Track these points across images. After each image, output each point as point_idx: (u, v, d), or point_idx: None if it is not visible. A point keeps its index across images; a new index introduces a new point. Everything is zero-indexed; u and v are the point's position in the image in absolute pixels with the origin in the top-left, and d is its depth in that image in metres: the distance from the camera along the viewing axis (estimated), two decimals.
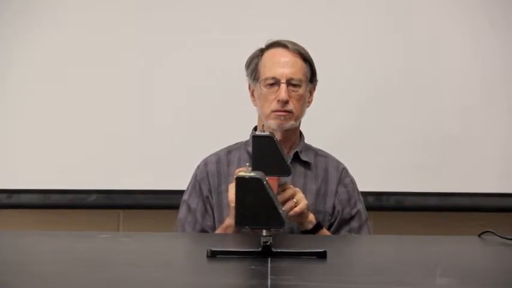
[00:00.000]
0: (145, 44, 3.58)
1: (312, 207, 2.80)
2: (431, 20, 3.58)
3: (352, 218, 2.84)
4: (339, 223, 2.84)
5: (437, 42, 3.57)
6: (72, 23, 3.58)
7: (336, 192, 2.86)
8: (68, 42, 3.58)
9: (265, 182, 2.01)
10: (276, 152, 2.45)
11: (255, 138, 2.48)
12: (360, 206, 2.88)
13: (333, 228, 2.84)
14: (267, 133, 2.48)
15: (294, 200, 2.64)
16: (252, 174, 2.03)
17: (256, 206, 2.01)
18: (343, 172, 2.90)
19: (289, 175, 2.50)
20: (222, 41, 3.57)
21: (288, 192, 2.64)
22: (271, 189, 2.03)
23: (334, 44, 3.55)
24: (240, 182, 2.02)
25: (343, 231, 2.84)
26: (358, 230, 2.83)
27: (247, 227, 2.06)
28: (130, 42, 3.58)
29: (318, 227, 2.72)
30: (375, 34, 3.57)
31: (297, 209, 2.63)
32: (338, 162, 2.92)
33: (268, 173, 2.45)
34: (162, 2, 3.58)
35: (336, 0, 3.58)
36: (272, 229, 2.05)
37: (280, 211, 2.01)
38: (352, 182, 2.91)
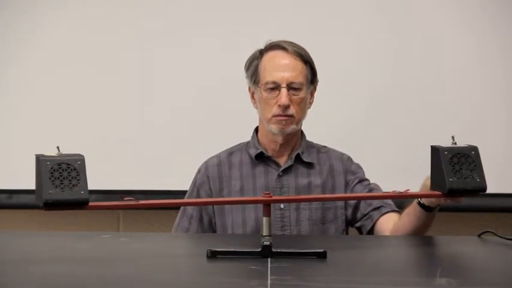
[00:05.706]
0: (145, 44, 3.57)
1: (320, 205, 2.80)
2: (431, 20, 3.57)
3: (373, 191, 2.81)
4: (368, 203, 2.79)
5: (438, 42, 3.57)
6: (72, 23, 3.57)
7: (346, 184, 2.83)
8: (68, 42, 3.57)
9: (48, 163, 2.13)
10: (438, 166, 2.40)
11: (432, 149, 2.45)
12: (376, 187, 2.85)
13: (364, 209, 2.80)
14: (437, 145, 2.45)
15: None
16: (52, 154, 2.18)
17: (39, 186, 2.13)
18: (348, 161, 2.87)
19: (443, 193, 2.36)
20: (222, 41, 3.56)
21: None
22: (72, 171, 2.19)
23: (334, 44, 3.55)
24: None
25: (377, 203, 2.79)
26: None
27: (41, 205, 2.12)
28: (130, 42, 3.58)
29: (435, 209, 2.64)
30: (375, 34, 3.56)
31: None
32: (341, 153, 2.89)
33: (432, 186, 2.42)
34: (162, 2, 3.58)
35: (336, 0, 3.58)
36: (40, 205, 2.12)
37: (51, 191, 2.10)
38: (359, 167, 2.88)
